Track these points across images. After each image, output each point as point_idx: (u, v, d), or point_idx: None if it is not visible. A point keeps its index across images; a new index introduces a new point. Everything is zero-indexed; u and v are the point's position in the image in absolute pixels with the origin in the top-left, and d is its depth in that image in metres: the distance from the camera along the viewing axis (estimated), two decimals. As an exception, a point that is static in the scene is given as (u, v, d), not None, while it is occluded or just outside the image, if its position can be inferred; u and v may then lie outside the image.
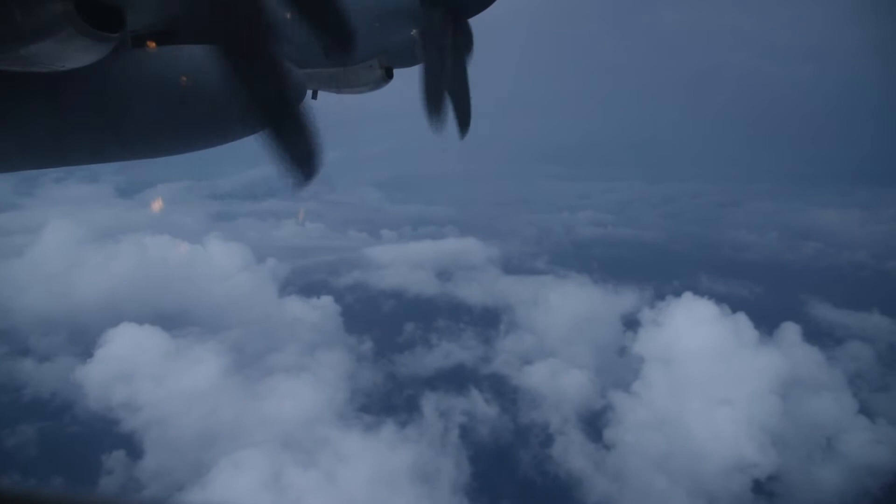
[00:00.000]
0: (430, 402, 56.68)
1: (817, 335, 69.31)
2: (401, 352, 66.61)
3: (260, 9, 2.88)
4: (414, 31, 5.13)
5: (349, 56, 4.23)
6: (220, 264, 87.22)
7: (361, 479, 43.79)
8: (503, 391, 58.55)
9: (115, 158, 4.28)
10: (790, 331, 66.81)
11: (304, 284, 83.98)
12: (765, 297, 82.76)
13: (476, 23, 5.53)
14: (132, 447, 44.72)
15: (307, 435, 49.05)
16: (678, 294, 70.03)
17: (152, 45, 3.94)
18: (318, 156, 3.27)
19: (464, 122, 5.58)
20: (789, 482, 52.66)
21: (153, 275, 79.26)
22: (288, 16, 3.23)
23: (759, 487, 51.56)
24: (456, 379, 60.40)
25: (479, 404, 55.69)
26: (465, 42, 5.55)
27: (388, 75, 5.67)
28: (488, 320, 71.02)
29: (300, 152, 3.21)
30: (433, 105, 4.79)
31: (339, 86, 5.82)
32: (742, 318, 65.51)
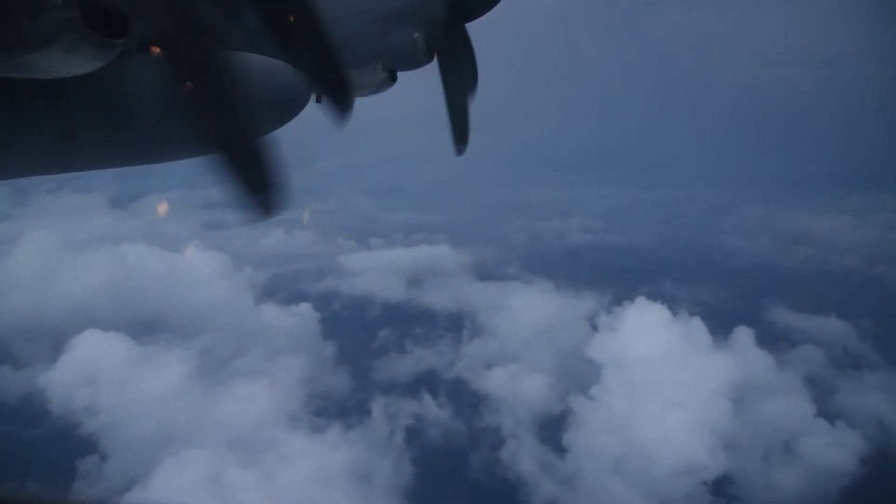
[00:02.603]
0: (391, 408, 57.76)
1: (796, 339, 70.21)
2: (368, 357, 67.77)
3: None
4: (417, 34, 5.15)
5: (346, 111, 4.16)
6: (201, 272, 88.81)
7: (313, 480, 44.79)
8: (463, 396, 59.48)
9: (120, 164, 4.24)
10: (761, 335, 67.66)
11: (283, 292, 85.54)
12: (742, 302, 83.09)
13: (469, 28, 5.57)
14: (86, 450, 46.02)
15: (270, 439, 50.14)
16: (649, 300, 70.78)
17: (157, 50, 3.95)
18: (276, 189, 3.25)
19: (461, 136, 5.59)
20: (748, 485, 53.08)
21: (132, 283, 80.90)
22: (291, 19, 3.29)
23: (718, 490, 52.04)
24: (418, 384, 61.45)
25: (436, 409, 56.81)
26: (464, 51, 5.61)
27: (392, 78, 5.55)
28: (454, 326, 72.22)
29: (260, 181, 3.20)
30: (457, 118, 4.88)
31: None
32: (710, 323, 66.34)
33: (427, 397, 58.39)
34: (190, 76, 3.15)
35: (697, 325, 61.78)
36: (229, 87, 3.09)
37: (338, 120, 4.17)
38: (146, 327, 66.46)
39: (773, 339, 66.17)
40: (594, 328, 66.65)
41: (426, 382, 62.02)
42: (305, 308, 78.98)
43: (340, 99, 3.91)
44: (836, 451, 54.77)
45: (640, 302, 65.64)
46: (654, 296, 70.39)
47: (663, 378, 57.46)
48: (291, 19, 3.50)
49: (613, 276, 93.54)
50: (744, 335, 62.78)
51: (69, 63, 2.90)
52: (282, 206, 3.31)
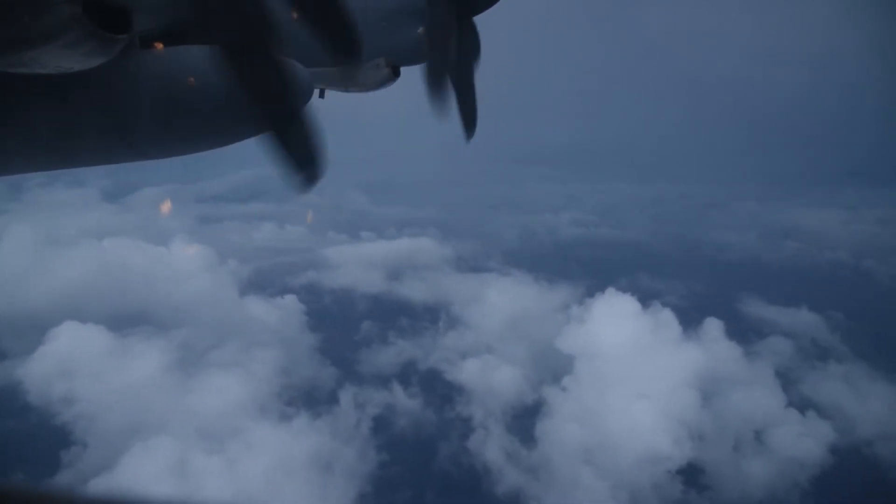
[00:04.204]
0: (368, 398, 58.45)
1: (772, 331, 70.75)
2: (350, 349, 68.44)
3: (265, 10, 2.97)
4: (420, 29, 5.18)
5: (355, 61, 4.14)
6: (188, 266, 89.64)
7: (278, 467, 45.58)
8: (438, 387, 60.14)
9: (124, 159, 4.24)
10: (738, 327, 68.28)
11: (269, 284, 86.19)
12: (720, 295, 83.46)
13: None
14: (59, 439, 46.82)
15: (240, 427, 50.83)
16: (626, 292, 71.25)
17: (159, 46, 3.96)
18: (320, 158, 3.32)
19: (470, 123, 5.61)
20: (719, 475, 53.56)
21: (118, 277, 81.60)
22: (294, 15, 3.26)
23: (690, 480, 52.55)
24: (395, 375, 62.19)
25: (409, 399, 57.50)
26: (471, 42, 5.63)
27: (395, 74, 5.60)
28: (436, 318, 73.17)
29: (303, 154, 3.27)
30: (438, 101, 4.78)
31: (346, 85, 5.79)
32: (686, 315, 66.92)
33: (402, 388, 59.08)
34: (235, 66, 3.13)
35: (668, 316, 62.28)
36: (269, 68, 3.09)
37: (341, 60, 4.08)
38: (129, 320, 67.14)
39: (748, 331, 66.85)
40: (571, 320, 67.26)
41: (404, 373, 62.77)
42: (290, 300, 79.71)
43: (345, 43, 3.65)
44: (806, 441, 55.31)
45: (610, 294, 66.16)
46: (631, 288, 71.11)
47: (635, 369, 57.98)
48: None
49: (597, 269, 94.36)
50: (715, 327, 63.33)
51: (72, 59, 2.91)
52: (321, 177, 3.34)
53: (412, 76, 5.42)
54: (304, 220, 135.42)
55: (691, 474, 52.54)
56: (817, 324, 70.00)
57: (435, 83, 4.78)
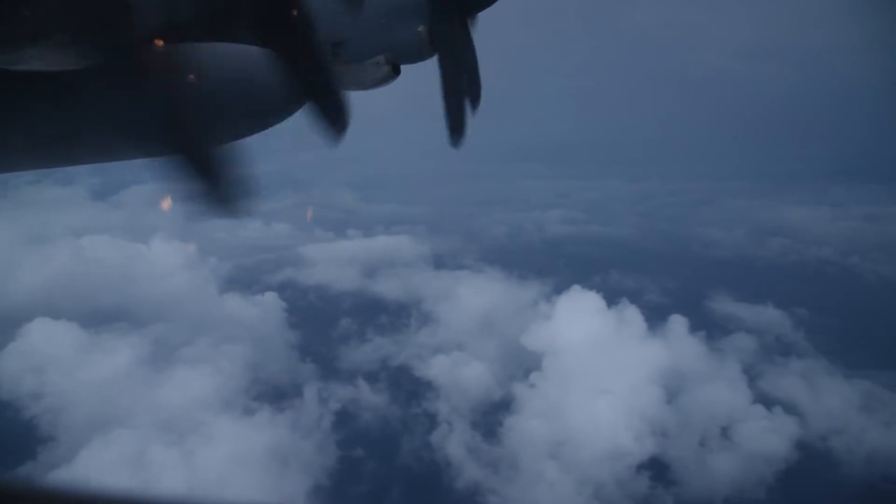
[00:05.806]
0: (339, 394, 58.98)
1: (749, 328, 71.18)
2: (326, 346, 69.00)
3: (265, 6, 2.95)
4: (420, 27, 5.19)
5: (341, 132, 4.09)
6: (169, 263, 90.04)
7: (240, 461, 46.09)
8: (407, 383, 60.71)
9: (123, 157, 4.23)
10: (716, 323, 68.80)
11: (249, 282, 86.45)
12: (695, 292, 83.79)
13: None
14: (22, 434, 47.32)
15: (207, 422, 51.30)
16: (598, 289, 71.81)
17: (159, 43, 3.88)
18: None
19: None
20: (685, 470, 53.99)
21: (96, 274, 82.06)
22: (295, 13, 3.23)
23: (656, 475, 53.00)
24: (369, 372, 62.77)
25: (375, 396, 58.08)
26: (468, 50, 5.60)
27: (395, 71, 5.49)
28: (406, 315, 73.93)
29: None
30: (454, 110, 4.80)
31: (345, 83, 5.68)
32: (658, 313, 67.45)
33: (373, 384, 59.55)
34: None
35: (635, 313, 62.79)
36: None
37: (331, 141, 4.03)
38: (105, 317, 67.51)
39: (719, 328, 67.33)
40: (540, 317, 67.82)
41: (377, 370, 63.34)
42: (271, 297, 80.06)
43: (336, 120, 3.65)
44: (772, 436, 55.78)
45: (576, 292, 66.65)
46: (605, 285, 71.59)
47: (603, 366, 58.45)
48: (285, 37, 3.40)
49: (578, 266, 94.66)
50: (683, 324, 63.80)
51: (71, 56, 2.89)
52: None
53: (407, 73, 5.47)
54: (291, 218, 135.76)
55: (658, 469, 53.03)
56: (795, 321, 70.64)
57: (451, 89, 4.89)
